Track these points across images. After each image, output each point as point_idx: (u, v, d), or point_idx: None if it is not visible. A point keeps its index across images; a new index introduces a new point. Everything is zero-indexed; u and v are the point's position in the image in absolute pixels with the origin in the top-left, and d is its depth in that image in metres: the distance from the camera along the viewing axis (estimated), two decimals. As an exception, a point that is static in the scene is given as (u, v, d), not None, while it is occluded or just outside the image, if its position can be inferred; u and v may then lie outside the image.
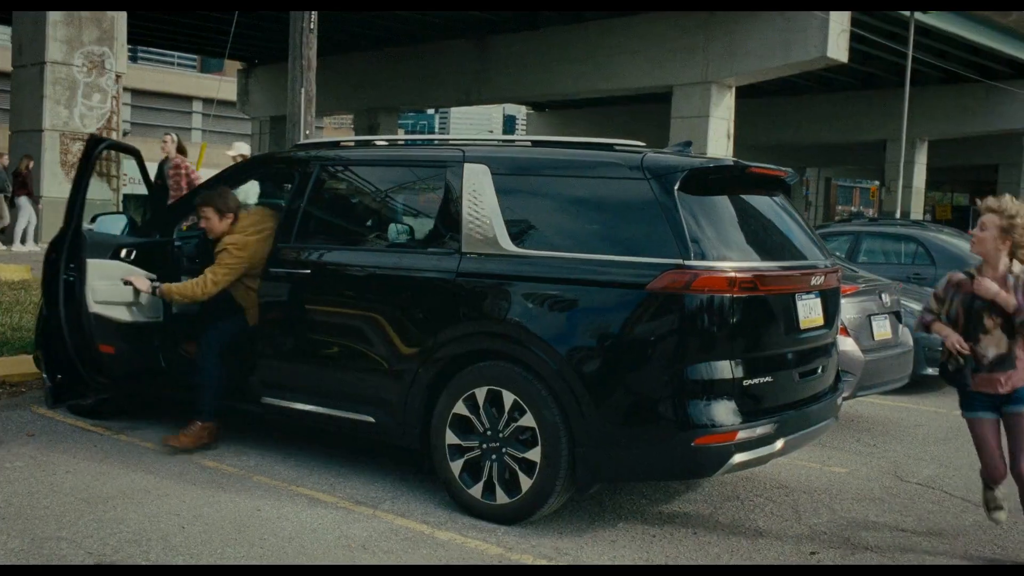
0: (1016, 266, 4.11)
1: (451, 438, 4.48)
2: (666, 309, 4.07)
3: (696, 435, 4.02)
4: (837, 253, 10.44)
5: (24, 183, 16.07)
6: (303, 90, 11.24)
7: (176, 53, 52.39)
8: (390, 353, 4.71)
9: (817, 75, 30.70)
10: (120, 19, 16.79)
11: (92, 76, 16.46)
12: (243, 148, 11.44)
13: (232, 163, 10.67)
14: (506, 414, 4.36)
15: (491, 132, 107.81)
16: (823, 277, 4.69)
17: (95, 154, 5.73)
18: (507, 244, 4.44)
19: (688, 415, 4.04)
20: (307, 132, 11.18)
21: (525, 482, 4.32)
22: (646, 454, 4.20)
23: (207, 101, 51.41)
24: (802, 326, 4.49)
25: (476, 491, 4.43)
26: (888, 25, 27.71)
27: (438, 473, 4.58)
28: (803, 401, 4.56)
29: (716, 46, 25.49)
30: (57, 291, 5.36)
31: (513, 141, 5.16)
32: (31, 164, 16.02)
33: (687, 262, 4.06)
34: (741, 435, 4.07)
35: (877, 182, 48.26)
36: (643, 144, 4.77)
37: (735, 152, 34.87)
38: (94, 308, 5.27)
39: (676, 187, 4.22)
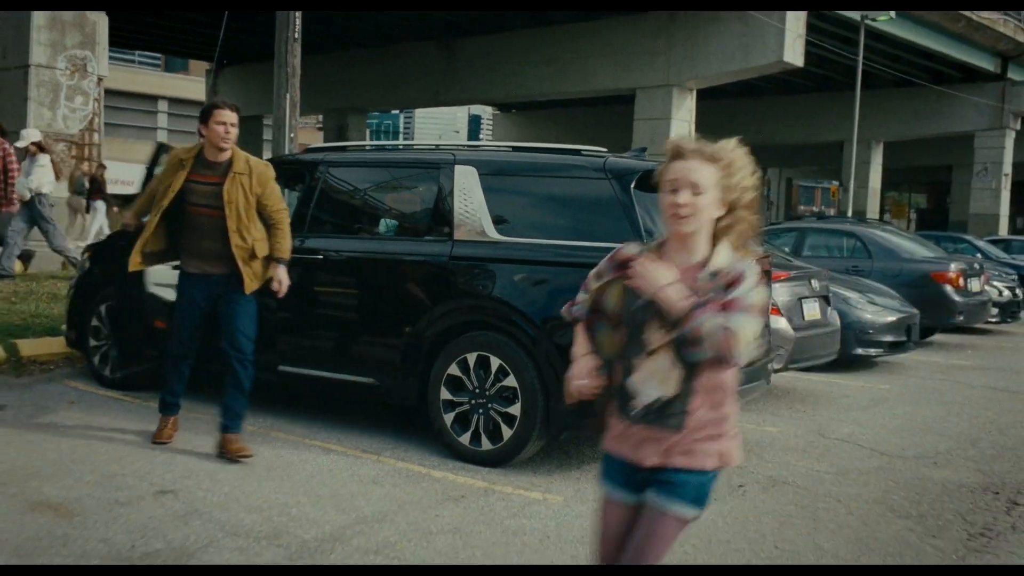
0: (721, 256, 2.48)
1: (445, 395, 5.41)
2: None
3: (648, 388, 4.99)
4: (784, 248, 11.53)
5: (99, 188, 17.38)
6: (288, 95, 12.18)
7: (136, 52, 52.68)
8: (393, 325, 5.64)
9: (777, 78, 31.89)
10: (102, 23, 17.49)
11: (75, 79, 17.15)
12: (34, 135, 12.07)
13: (27, 149, 11.60)
14: (492, 375, 5.30)
15: (457, 132, 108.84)
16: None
17: (159, 158, 6.52)
18: (492, 232, 5.39)
19: (641, 371, 5.00)
20: (291, 135, 12.08)
21: (506, 432, 5.27)
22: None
23: (172, 100, 51.87)
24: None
25: (465, 439, 5.37)
26: (843, 30, 28.97)
27: (432, 425, 5.51)
28: (737, 363, 5.54)
29: (678, 50, 26.57)
30: (140, 274, 6.02)
31: (497, 147, 6.10)
32: (105, 171, 17.40)
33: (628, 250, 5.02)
34: (684, 388, 5.04)
35: (837, 182, 49.86)
36: (605, 150, 5.74)
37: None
38: (151, 288, 6.14)
39: (632, 186, 5.20)
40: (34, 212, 11.18)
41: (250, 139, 38.99)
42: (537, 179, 5.52)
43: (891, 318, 9.24)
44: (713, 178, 2.45)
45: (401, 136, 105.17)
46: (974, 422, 7.22)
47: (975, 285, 11.57)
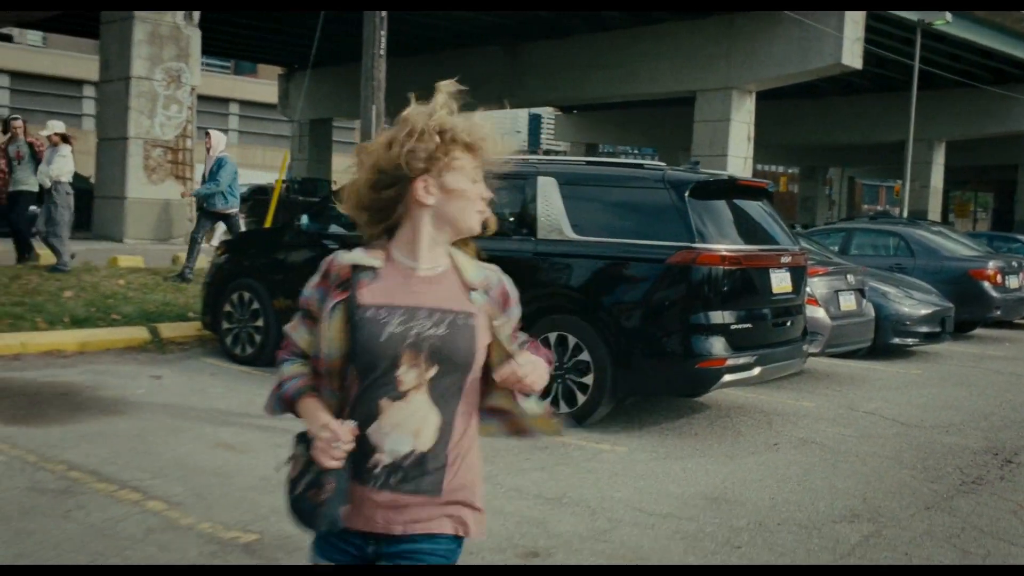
0: (462, 256, 2.09)
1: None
2: (679, 276, 6.17)
3: (698, 361, 6.12)
4: (833, 247, 12.51)
5: None
6: (373, 106, 13.40)
7: (204, 55, 54.95)
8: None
9: (837, 78, 32.55)
10: (195, 38, 19.00)
11: (170, 89, 18.68)
12: (58, 126, 12.05)
13: (48, 141, 11.64)
14: (569, 351, 6.46)
15: (518, 132, 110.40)
16: (791, 257, 6.78)
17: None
18: (569, 232, 6.55)
19: (693, 347, 6.14)
20: (378, 142, 13.35)
21: (580, 398, 6.43)
22: (665, 376, 6.32)
23: (243, 103, 53.94)
24: (774, 291, 6.59)
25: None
26: (902, 31, 29.56)
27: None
28: (775, 343, 6.65)
29: (737, 53, 27.44)
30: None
31: (573, 160, 7.24)
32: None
33: (693, 245, 6.16)
34: (729, 362, 6.17)
35: (901, 181, 50.07)
36: (663, 163, 6.86)
37: (757, 152, 36.80)
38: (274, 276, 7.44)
39: (687, 194, 6.32)
40: (52, 199, 11.24)
41: (319, 141, 40.76)
42: (607, 188, 6.67)
43: (926, 311, 10.22)
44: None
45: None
46: (991, 401, 8.21)
47: (1013, 282, 12.44)
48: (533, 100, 36.18)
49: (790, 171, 57.46)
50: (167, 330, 8.81)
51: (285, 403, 2.07)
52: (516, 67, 32.56)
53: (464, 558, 3.86)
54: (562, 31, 30.85)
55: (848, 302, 8.73)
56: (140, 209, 18.42)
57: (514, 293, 2.11)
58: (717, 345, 6.15)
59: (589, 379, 6.38)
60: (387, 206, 2.01)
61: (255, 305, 8.02)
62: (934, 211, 38.22)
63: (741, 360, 6.25)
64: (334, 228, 7.87)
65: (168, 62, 18.61)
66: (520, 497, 4.87)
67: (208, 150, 11.84)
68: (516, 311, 2.10)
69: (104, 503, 4.44)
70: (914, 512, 4.96)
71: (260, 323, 7.97)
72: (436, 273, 2.02)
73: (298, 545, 3.99)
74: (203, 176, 12.08)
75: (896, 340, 10.01)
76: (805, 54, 26.37)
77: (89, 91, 50.40)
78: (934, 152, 38.33)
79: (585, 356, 6.38)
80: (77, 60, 49.99)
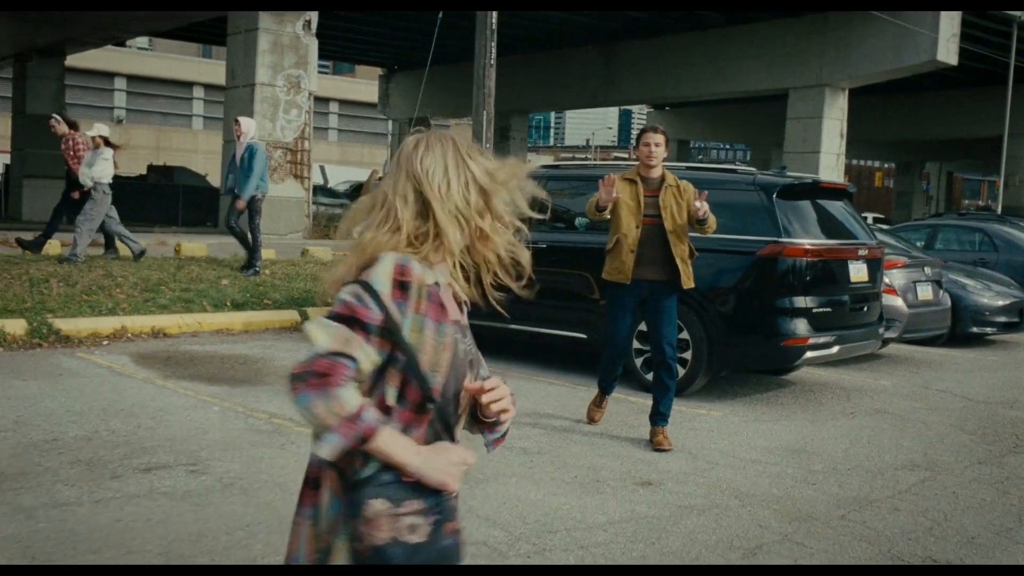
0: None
1: (636, 344, 7.69)
2: (768, 266, 7.19)
3: (783, 339, 7.14)
4: (918, 242, 13.28)
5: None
6: (484, 112, 14.66)
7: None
8: (597, 296, 7.95)
9: (932, 73, 32.74)
10: (313, 46, 20.55)
11: (290, 95, 20.25)
12: (102, 130, 12.09)
13: (92, 142, 11.67)
14: (670, 331, 7.53)
15: (609, 128, 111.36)
16: (868, 251, 7.74)
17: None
18: (671, 229, 7.62)
19: (779, 328, 7.16)
20: (487, 145, 14.59)
21: (680, 371, 7.49)
22: (754, 352, 7.35)
23: (343, 102, 56.06)
24: (852, 280, 7.56)
25: (649, 376, 7.62)
26: (1001, 26, 29.61)
27: (626, 366, 7.79)
28: (853, 326, 7.62)
29: (830, 51, 27.92)
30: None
31: (675, 165, 8.30)
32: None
33: (780, 239, 7.18)
34: (811, 340, 7.17)
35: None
36: (754, 168, 7.88)
37: (850, 148, 37.06)
38: None
39: (775, 195, 7.34)
40: (91, 198, 11.41)
41: (418, 139, 42.30)
42: (704, 190, 7.70)
43: (1004, 302, 10.97)
44: None
45: (552, 132, 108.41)
46: (1060, 383, 9.01)
47: (1095, 276, 13.01)
48: (626, 99, 37.09)
49: (885, 166, 56.97)
50: (314, 314, 10.15)
51: (366, 437, 1.76)
52: (610, 66, 33.54)
53: (591, 486, 5.08)
54: (655, 31, 31.70)
55: (925, 292, 9.60)
56: (262, 206, 19.99)
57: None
58: (800, 326, 7.16)
59: (688, 355, 7.44)
60: None
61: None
62: (1034, 207, 37.91)
63: (822, 339, 7.25)
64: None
65: (288, 69, 20.17)
66: (633, 446, 5.99)
67: (239, 137, 12.11)
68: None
69: (307, 441, 5.67)
70: (967, 465, 5.92)
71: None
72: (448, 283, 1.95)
73: (464, 471, 5.19)
74: (238, 162, 12.29)
75: (975, 329, 10.80)
76: (899, 51, 26.73)
77: (199, 92, 53.13)
78: (1035, 147, 37.93)
79: (685, 335, 7.44)
80: (185, 63, 52.70)
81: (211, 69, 52.05)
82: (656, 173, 6.09)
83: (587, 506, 4.73)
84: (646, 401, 7.11)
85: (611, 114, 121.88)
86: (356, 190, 35.30)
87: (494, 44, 14.53)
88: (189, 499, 4.56)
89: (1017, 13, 27.89)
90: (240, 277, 11.44)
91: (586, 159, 70.50)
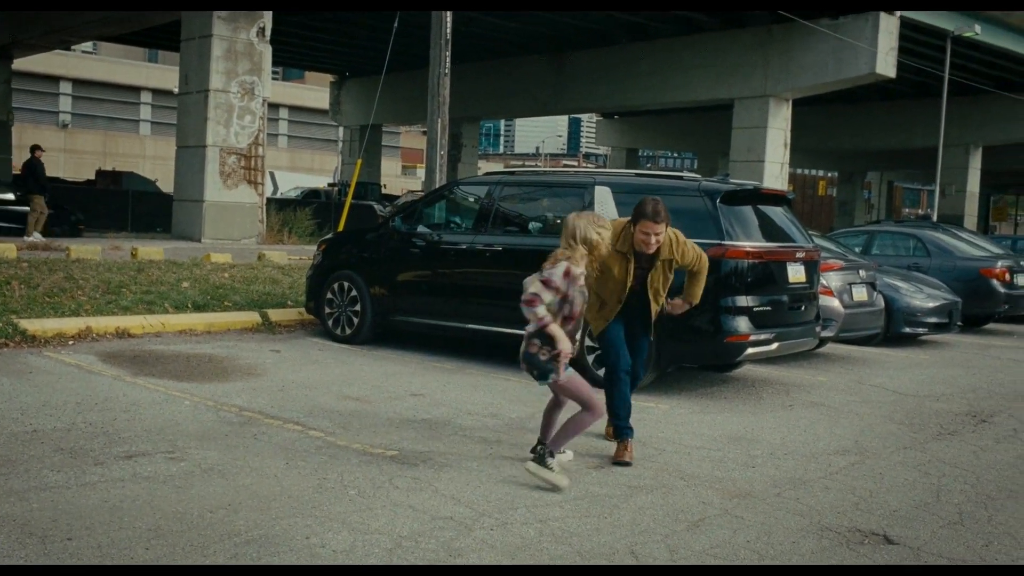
0: None
1: (588, 342, 8.09)
2: (711, 267, 7.61)
3: (726, 336, 7.60)
4: (856, 248, 13.89)
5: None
6: (439, 120, 15.01)
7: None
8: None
9: (873, 85, 33.79)
10: (267, 53, 20.76)
11: (244, 101, 20.44)
12: None
13: None
14: (620, 329, 7.94)
15: (559, 136, 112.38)
16: (805, 253, 8.23)
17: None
18: (621, 233, 8.05)
19: (722, 325, 7.61)
20: (442, 152, 14.95)
21: (630, 368, 7.90)
22: (700, 348, 7.80)
23: (292, 108, 56.08)
24: (790, 281, 8.04)
25: (601, 372, 8.02)
26: (937, 39, 30.68)
27: (579, 362, 8.18)
28: (791, 324, 8.11)
29: (774, 63, 28.73)
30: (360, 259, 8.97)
31: (624, 172, 8.72)
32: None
33: (723, 242, 7.63)
34: (752, 337, 7.63)
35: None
36: (699, 175, 8.33)
37: (795, 157, 37.89)
38: (372, 268, 9.01)
39: (718, 201, 7.80)
40: None
41: (369, 147, 42.51)
42: (653, 196, 8.15)
43: (934, 303, 11.59)
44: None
45: (502, 139, 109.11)
46: (984, 380, 9.60)
47: (1021, 280, 13.74)
48: (576, 107, 37.66)
49: (829, 175, 58.33)
50: (274, 315, 10.44)
51: (545, 327, 4.91)
52: (560, 75, 34.10)
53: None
54: (605, 41, 32.33)
55: (860, 293, 10.15)
56: (216, 211, 20.17)
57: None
58: (742, 324, 7.62)
59: (637, 352, 7.85)
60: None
61: (353, 292, 9.61)
62: (970, 215, 39.21)
63: (762, 336, 7.72)
64: (421, 228, 9.46)
65: (243, 76, 20.36)
66: (585, 435, 6.37)
67: None
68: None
69: (278, 431, 6.02)
70: (894, 450, 6.41)
71: (358, 308, 9.56)
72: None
73: (428, 457, 5.54)
74: None
75: (907, 329, 11.40)
76: (840, 63, 27.61)
77: (147, 97, 52.77)
78: (970, 157, 39.27)
79: (634, 333, 7.85)
80: (132, 67, 52.29)
81: (159, 74, 51.72)
82: (651, 251, 5.83)
83: (544, 487, 5.11)
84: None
85: (561, 122, 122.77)
86: (312, 195, 35.40)
87: (448, 54, 14.89)
88: (171, 482, 4.86)
89: (951, 27, 28.92)
90: (201, 279, 11.66)
91: (536, 166, 71.15)
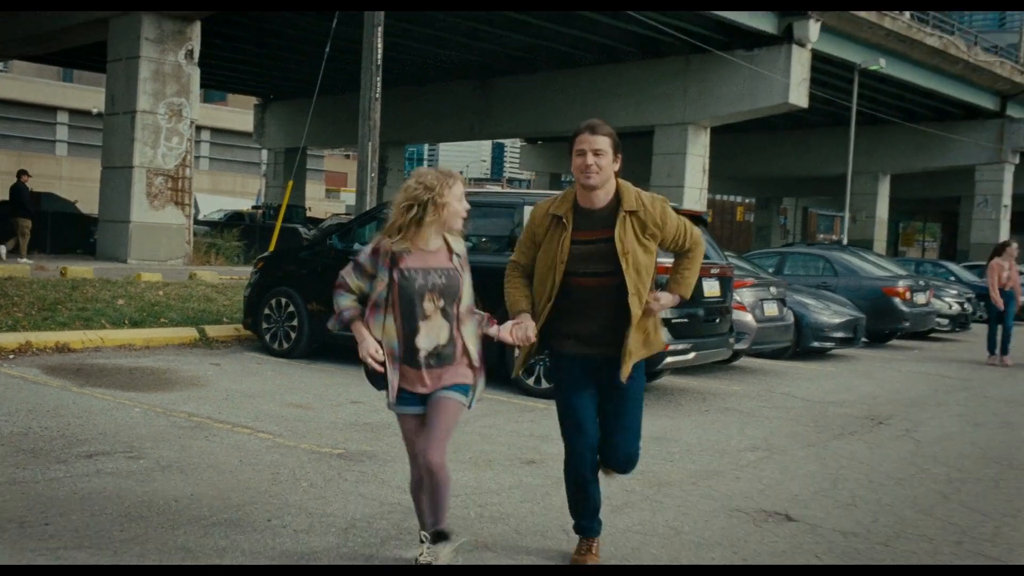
0: (455, 243, 3.91)
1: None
2: (632, 283, 8.26)
3: (647, 346, 8.18)
4: (769, 268, 14.71)
5: None
6: (369, 143, 15.47)
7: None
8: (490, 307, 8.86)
9: (788, 114, 35.25)
10: (195, 75, 20.96)
11: (172, 122, 20.60)
12: None
13: None
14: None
15: (484, 160, 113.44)
16: (719, 270, 8.91)
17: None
18: (549, 250, 8.63)
19: (643, 336, 8.20)
20: (372, 175, 15.39)
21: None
22: (622, 358, 8.37)
23: (214, 130, 55.71)
24: (706, 295, 8.70)
25: (531, 381, 8.55)
26: (847, 72, 32.20)
27: (506, 373, 8.70)
28: (706, 335, 8.75)
29: (692, 92, 29.84)
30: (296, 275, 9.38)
31: (552, 194, 9.29)
32: None
33: (643, 259, 8.26)
34: (671, 347, 8.24)
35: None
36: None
37: (713, 183, 39.18)
38: (304, 285, 9.41)
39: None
40: None
41: (295, 169, 42.62)
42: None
43: (840, 319, 12.41)
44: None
45: (426, 162, 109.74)
46: (883, 388, 10.39)
47: (921, 299, 14.73)
48: (502, 132, 38.42)
49: (746, 201, 60.13)
50: (211, 331, 10.74)
51: (344, 324, 3.82)
52: (486, 101, 34.80)
53: (476, 466, 5.98)
54: (531, 68, 33.14)
55: (771, 309, 10.89)
56: (143, 232, 20.25)
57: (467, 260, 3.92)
58: (662, 334, 8.21)
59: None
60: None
61: (291, 308, 9.99)
62: (880, 240, 40.92)
63: (680, 346, 8.34)
64: (357, 246, 9.88)
65: (171, 97, 20.55)
66: (519, 435, 6.90)
67: None
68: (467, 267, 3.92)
69: (228, 434, 6.40)
70: (799, 447, 7.06)
71: (295, 323, 9.95)
72: (435, 249, 3.81)
73: (372, 455, 5.99)
74: None
75: (815, 343, 12.19)
76: (755, 94, 28.82)
77: (63, 117, 51.95)
78: (879, 184, 41.03)
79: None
80: (47, 87, 51.48)
81: (76, 94, 51.05)
82: (601, 198, 4.00)
83: (482, 478, 5.60)
84: (526, 402, 8.06)
85: (485, 146, 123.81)
86: (236, 218, 35.35)
87: (379, 79, 15.38)
88: (133, 477, 5.22)
89: (859, 60, 30.41)
90: (136, 297, 11.89)
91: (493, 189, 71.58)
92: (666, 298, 4.23)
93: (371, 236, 10.21)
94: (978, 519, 5.31)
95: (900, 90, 35.78)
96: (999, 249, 13.51)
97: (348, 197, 60.77)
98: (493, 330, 3.89)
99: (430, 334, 3.75)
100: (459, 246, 3.89)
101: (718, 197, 57.94)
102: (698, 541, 4.70)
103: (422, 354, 3.75)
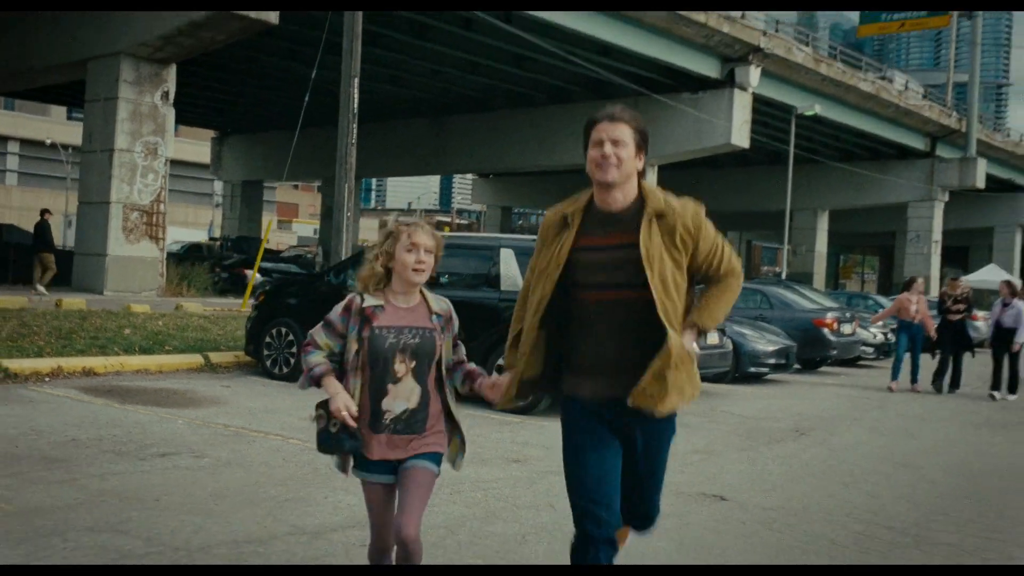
0: (435, 301, 3.67)
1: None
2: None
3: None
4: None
5: None
6: (346, 185, 16.94)
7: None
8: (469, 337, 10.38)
9: (732, 153, 37.42)
10: (170, 116, 22.30)
11: (148, 160, 21.89)
12: None
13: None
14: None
15: (434, 192, 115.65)
16: (667, 304, 10.51)
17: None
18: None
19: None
20: (348, 214, 16.86)
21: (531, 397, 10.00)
22: (585, 379, 9.94)
23: (177, 163, 56.77)
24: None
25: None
26: (784, 113, 34.43)
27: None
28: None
29: (641, 132, 31.72)
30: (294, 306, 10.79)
31: (523, 237, 10.84)
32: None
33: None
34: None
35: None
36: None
37: (661, 218, 40.71)
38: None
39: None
40: None
41: (250, 202, 43.89)
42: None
43: (775, 347, 14.13)
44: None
45: (374, 193, 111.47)
46: (809, 407, 12.09)
47: (847, 329, 16.56)
48: (456, 168, 40.11)
49: (693, 234, 62.49)
50: (215, 357, 12.10)
51: (314, 381, 3.54)
52: (441, 137, 36.50)
53: (474, 464, 7.62)
54: (484, 107, 34.92)
55: (712, 337, 12.54)
56: (119, 265, 21.44)
57: (455, 315, 3.71)
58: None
59: (535, 383, 9.92)
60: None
61: (290, 337, 11.41)
62: (819, 273, 43.23)
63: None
64: (350, 282, 11.35)
65: (147, 136, 21.85)
66: (503, 442, 8.42)
67: None
68: (456, 325, 3.70)
69: (264, 440, 7.81)
70: (733, 451, 8.66)
71: (294, 350, 11.36)
72: (412, 305, 3.60)
73: (389, 455, 7.45)
74: None
75: (752, 369, 13.88)
76: (700, 134, 30.87)
77: (14, 147, 52.58)
78: (818, 220, 43.43)
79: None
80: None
81: (28, 124, 51.74)
82: (620, 199, 3.43)
83: (479, 472, 7.09)
84: (504, 417, 9.59)
85: (433, 179, 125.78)
86: (194, 250, 36.42)
87: (355, 125, 16.88)
88: (204, 470, 6.63)
89: (796, 104, 32.64)
90: (140, 327, 13.20)
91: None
92: (687, 334, 3.38)
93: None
94: (870, 501, 6.94)
95: (836, 131, 38.20)
96: (907, 284, 15.25)
97: (300, 228, 61.98)
98: (477, 387, 3.71)
99: (399, 397, 3.53)
100: (439, 304, 3.67)
101: (665, 230, 60.05)
102: (653, 513, 6.24)
103: (387, 417, 3.52)
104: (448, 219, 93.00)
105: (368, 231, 45.05)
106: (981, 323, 20.67)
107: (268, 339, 11.60)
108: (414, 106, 35.43)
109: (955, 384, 14.70)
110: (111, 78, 21.47)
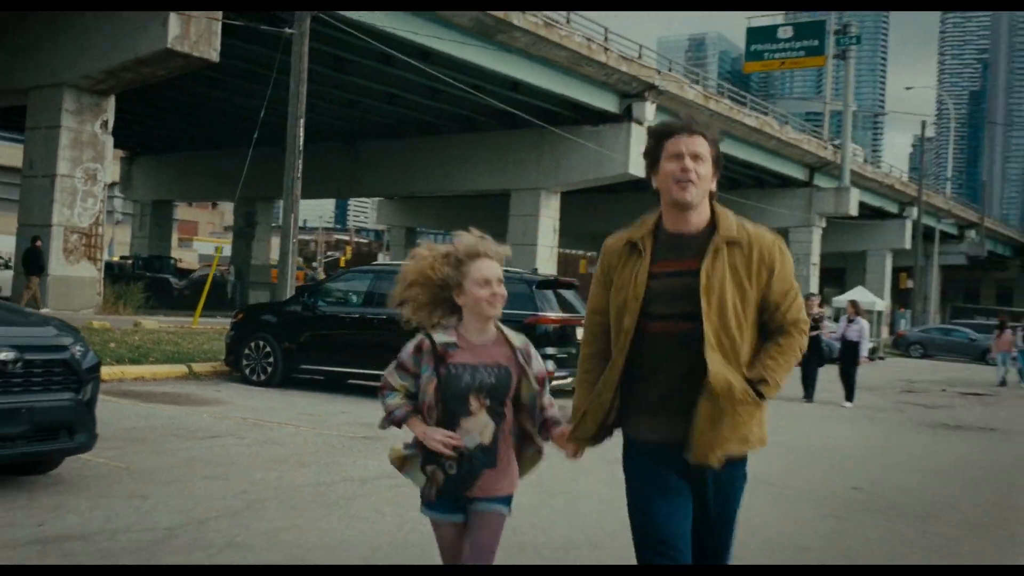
0: (514, 336, 3.61)
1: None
2: (530, 330, 12.32)
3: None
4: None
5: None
6: (292, 215, 19.11)
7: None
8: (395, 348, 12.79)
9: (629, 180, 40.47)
10: (108, 144, 23.99)
11: (88, 185, 23.51)
12: None
13: None
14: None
15: (332, 212, 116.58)
16: (588, 321, 13.06)
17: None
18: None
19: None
20: (294, 241, 19.04)
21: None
22: (523, 382, 12.43)
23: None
24: (578, 339, 12.87)
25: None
26: (677, 147, 37.59)
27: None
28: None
29: (546, 161, 34.54)
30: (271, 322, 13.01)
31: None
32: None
33: (537, 313, 12.35)
34: (556, 375, 12.32)
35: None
36: (523, 270, 13.05)
37: (563, 239, 43.87)
38: (279, 329, 13.04)
39: (535, 287, 12.55)
40: None
41: (161, 221, 45.07)
42: (490, 282, 12.88)
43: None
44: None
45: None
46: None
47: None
48: (369, 192, 42.32)
49: (588, 254, 65.72)
50: (197, 367, 14.17)
51: (396, 423, 3.47)
52: (355, 163, 38.66)
53: None
54: (397, 133, 37.24)
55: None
56: (59, 285, 23.00)
57: (533, 350, 3.58)
58: (550, 364, 12.34)
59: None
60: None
61: (267, 349, 13.56)
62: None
63: (562, 373, 12.43)
64: (320, 304, 13.66)
65: (87, 163, 23.50)
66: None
67: None
68: (535, 360, 3.56)
69: (279, 428, 10.03)
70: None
71: (271, 360, 13.52)
72: (487, 340, 3.50)
73: (381, 438, 9.76)
74: None
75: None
76: (600, 164, 33.75)
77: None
78: (708, 243, 46.84)
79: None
80: None
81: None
82: (695, 221, 3.32)
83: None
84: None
85: (328, 203, 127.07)
86: (107, 268, 37.58)
87: (300, 162, 19.09)
88: (253, 447, 8.84)
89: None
90: (120, 341, 15.13)
91: (312, 240, 74.89)
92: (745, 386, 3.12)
93: (336, 293, 13.94)
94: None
95: (725, 162, 41.48)
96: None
97: (200, 246, 62.92)
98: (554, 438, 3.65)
99: (471, 432, 3.38)
100: (518, 339, 3.59)
101: (563, 251, 63.22)
102: (613, 497, 8.72)
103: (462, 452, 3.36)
104: (347, 238, 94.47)
105: (277, 250, 46.59)
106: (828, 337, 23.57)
107: (247, 351, 13.73)
108: (329, 132, 37.43)
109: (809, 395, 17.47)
110: (54, 108, 23.03)
